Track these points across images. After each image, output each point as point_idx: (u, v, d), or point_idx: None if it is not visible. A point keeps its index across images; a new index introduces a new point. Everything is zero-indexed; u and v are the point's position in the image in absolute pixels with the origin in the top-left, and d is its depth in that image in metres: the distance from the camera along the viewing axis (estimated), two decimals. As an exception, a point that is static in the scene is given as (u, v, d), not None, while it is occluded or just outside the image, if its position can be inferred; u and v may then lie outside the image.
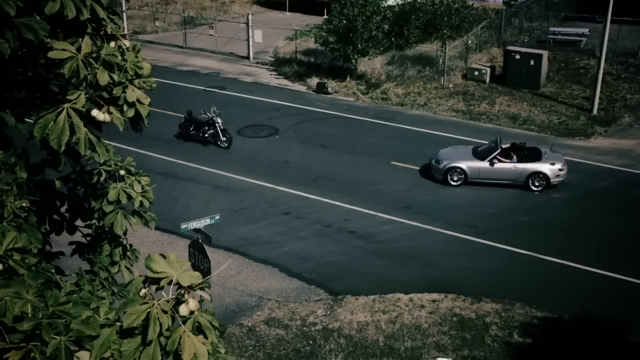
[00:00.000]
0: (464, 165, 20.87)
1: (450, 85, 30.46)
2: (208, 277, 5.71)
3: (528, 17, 37.12)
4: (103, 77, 5.04)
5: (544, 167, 20.57)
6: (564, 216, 19.31)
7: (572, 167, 22.68)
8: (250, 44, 36.01)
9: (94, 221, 7.00)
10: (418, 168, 22.31)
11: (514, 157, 20.88)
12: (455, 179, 20.90)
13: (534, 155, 20.98)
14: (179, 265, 4.30)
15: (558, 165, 20.65)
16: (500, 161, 20.72)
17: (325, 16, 39.23)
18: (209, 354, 4.19)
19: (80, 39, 5.04)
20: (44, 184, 6.42)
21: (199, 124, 24.13)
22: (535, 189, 20.65)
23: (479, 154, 21.22)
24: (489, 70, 30.70)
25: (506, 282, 16.14)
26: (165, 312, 4.08)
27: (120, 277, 6.82)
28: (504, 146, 21.02)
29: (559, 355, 13.68)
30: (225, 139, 23.94)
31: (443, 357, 13.50)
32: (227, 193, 20.80)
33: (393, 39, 33.14)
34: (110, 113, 5.26)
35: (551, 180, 20.58)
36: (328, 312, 15.02)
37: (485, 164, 20.73)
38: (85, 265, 6.68)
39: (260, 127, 26.27)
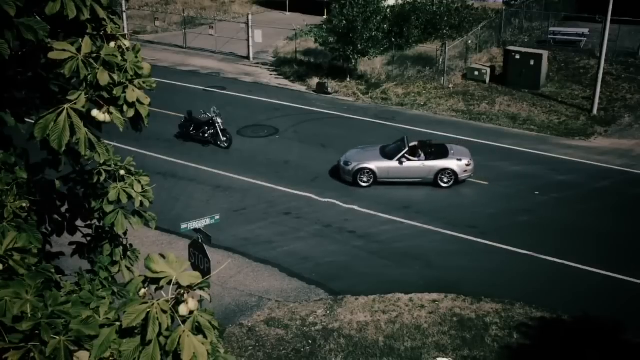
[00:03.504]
0: (373, 165, 20.85)
1: (450, 85, 30.46)
2: (208, 277, 5.72)
3: (528, 17, 37.12)
4: (103, 77, 5.05)
5: (452, 164, 20.80)
6: (564, 216, 19.32)
7: (572, 167, 22.72)
8: (250, 44, 36.01)
9: (94, 221, 7.00)
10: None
11: (422, 155, 20.98)
12: (365, 179, 20.86)
13: (441, 152, 21.21)
14: (178, 265, 4.30)
15: (465, 161, 20.89)
16: (408, 160, 20.80)
17: (325, 16, 39.23)
18: (208, 353, 4.19)
19: (80, 39, 5.04)
20: (44, 184, 6.42)
21: (199, 124, 24.13)
22: (444, 185, 20.87)
23: (387, 154, 21.22)
24: (489, 70, 30.70)
25: (506, 282, 16.14)
26: (164, 312, 4.08)
27: (121, 277, 6.82)
28: (411, 144, 21.11)
29: (558, 355, 13.68)
30: (225, 139, 23.95)
31: (443, 357, 13.51)
32: (227, 193, 20.81)
33: (393, 39, 33.15)
34: (110, 113, 5.26)
35: (459, 176, 20.85)
36: (328, 312, 15.03)
37: (394, 164, 20.80)
38: (85, 265, 6.68)
39: (260, 127, 26.28)
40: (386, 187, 21.05)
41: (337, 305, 15.25)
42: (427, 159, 20.97)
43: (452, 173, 20.81)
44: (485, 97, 29.23)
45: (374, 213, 19.46)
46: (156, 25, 42.27)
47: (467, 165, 20.93)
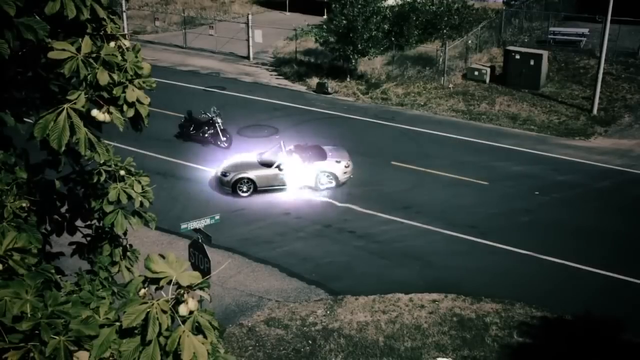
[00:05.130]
0: (252, 174, 20.33)
1: (450, 85, 30.46)
2: (208, 277, 5.72)
3: (528, 17, 37.12)
4: (103, 77, 5.04)
5: (331, 166, 20.67)
6: (564, 216, 19.31)
7: (572, 167, 22.72)
8: (250, 44, 36.01)
9: (94, 221, 7.00)
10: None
11: (300, 159, 20.70)
12: (245, 189, 20.34)
13: (319, 154, 21.00)
14: (178, 265, 4.30)
15: (344, 162, 20.79)
16: (287, 165, 20.48)
17: (325, 16, 39.24)
18: (208, 353, 4.19)
19: (80, 39, 5.04)
20: (44, 184, 6.42)
21: (199, 124, 24.13)
22: (325, 188, 20.64)
23: (265, 161, 20.80)
24: (489, 70, 30.70)
25: (506, 282, 16.14)
26: (164, 312, 4.08)
27: (120, 277, 6.82)
28: (287, 149, 20.82)
29: (559, 355, 13.68)
30: (225, 139, 23.95)
31: (443, 357, 13.51)
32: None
33: (393, 39, 33.14)
34: (110, 113, 5.25)
35: (339, 178, 20.70)
36: (328, 312, 15.03)
37: (273, 171, 20.41)
38: (85, 265, 6.68)
39: (260, 127, 26.27)
40: (387, 188, 21.06)
41: (337, 305, 15.24)
42: (305, 163, 20.68)
43: (332, 175, 20.59)
44: (485, 97, 29.23)
45: (374, 213, 19.46)
46: (156, 25, 42.27)
47: (346, 166, 20.71)
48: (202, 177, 21.77)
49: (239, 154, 21.87)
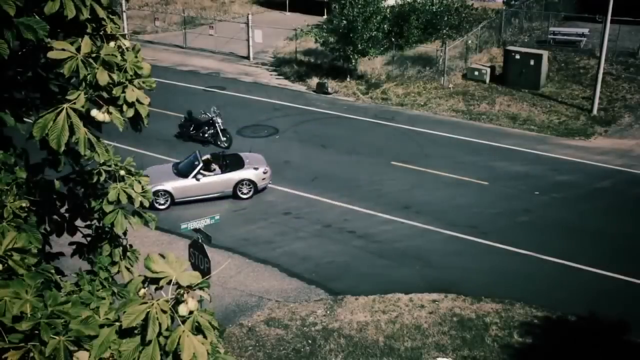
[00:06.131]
0: (168, 186, 19.48)
1: (450, 85, 30.46)
2: (208, 277, 5.72)
3: (528, 17, 37.11)
4: (103, 77, 5.05)
5: (249, 173, 20.18)
6: (564, 216, 19.31)
7: (572, 167, 22.72)
8: (250, 44, 36.00)
9: (94, 221, 7.00)
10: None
11: (217, 168, 20.28)
12: (162, 202, 19.48)
13: (236, 162, 20.46)
14: (178, 265, 4.30)
15: (262, 169, 20.34)
16: (204, 175, 19.85)
17: (325, 16, 39.23)
18: (208, 354, 4.19)
19: (80, 39, 5.04)
20: (44, 184, 6.42)
21: (199, 124, 24.13)
22: (244, 196, 20.17)
23: (181, 172, 20.08)
24: (489, 70, 30.69)
25: (506, 282, 16.14)
26: (164, 312, 4.08)
27: (120, 277, 6.82)
28: (204, 159, 20.27)
29: (559, 355, 13.68)
30: (225, 139, 23.95)
31: (443, 357, 13.51)
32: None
33: (393, 39, 33.14)
34: (109, 113, 5.26)
35: (258, 185, 20.27)
36: (328, 312, 15.03)
37: (190, 181, 19.71)
38: (85, 265, 6.68)
39: (260, 127, 26.27)
40: (387, 188, 21.06)
41: (337, 305, 15.24)
42: (223, 171, 20.17)
43: (251, 183, 20.13)
44: (485, 97, 29.22)
45: (374, 213, 19.46)
46: (156, 25, 42.26)
47: (265, 172, 20.33)
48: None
49: (153, 166, 20.75)
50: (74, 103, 4.94)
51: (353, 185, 21.15)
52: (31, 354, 3.99)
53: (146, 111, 5.43)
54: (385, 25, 31.34)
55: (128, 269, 7.00)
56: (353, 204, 19.98)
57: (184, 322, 4.16)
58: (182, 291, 4.21)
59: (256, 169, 20.36)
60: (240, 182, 20.11)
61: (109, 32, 5.42)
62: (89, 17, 5.07)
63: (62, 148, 4.86)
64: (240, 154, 21.31)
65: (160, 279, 4.24)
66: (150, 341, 4.07)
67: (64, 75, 5.05)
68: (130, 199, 6.50)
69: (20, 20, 4.78)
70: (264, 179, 20.43)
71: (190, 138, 24.33)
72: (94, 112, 5.21)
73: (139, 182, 6.67)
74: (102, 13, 5.21)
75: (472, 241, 18.00)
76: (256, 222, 19.02)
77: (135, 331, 4.18)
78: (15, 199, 5.12)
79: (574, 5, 37.09)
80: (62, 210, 6.83)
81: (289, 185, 21.15)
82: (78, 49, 4.96)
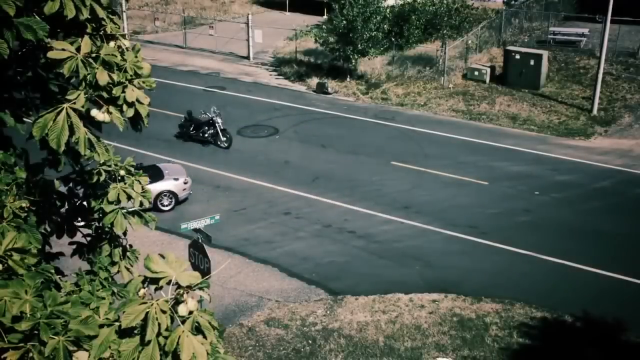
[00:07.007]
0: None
1: (450, 85, 30.46)
2: (208, 277, 5.71)
3: (528, 17, 37.11)
4: (102, 77, 5.04)
5: (169, 185, 19.51)
6: (564, 216, 19.31)
7: (572, 167, 22.72)
8: (250, 44, 36.01)
9: (94, 221, 6.99)
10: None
11: None
12: None
13: (155, 174, 19.34)
14: (178, 265, 4.30)
15: (182, 179, 19.75)
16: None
17: (325, 16, 39.22)
18: (207, 354, 4.19)
19: (79, 39, 5.04)
20: (43, 184, 6.41)
21: (199, 124, 24.13)
22: (165, 208, 19.42)
23: None
24: (489, 70, 30.70)
25: (506, 282, 16.14)
26: (164, 312, 4.08)
27: (120, 278, 6.81)
28: None
29: (559, 355, 13.67)
30: (225, 139, 23.96)
31: (443, 357, 13.51)
32: (227, 193, 20.81)
33: (393, 39, 33.14)
34: (109, 113, 5.25)
35: (179, 196, 19.69)
36: (328, 312, 15.02)
37: None
38: (85, 265, 6.67)
39: (260, 127, 26.27)
40: (387, 188, 21.06)
41: (337, 305, 15.24)
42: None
43: (171, 194, 19.49)
44: (485, 97, 29.22)
45: (374, 213, 19.45)
46: (156, 25, 42.27)
47: (185, 183, 19.74)
48: (202, 177, 21.76)
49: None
50: (74, 103, 4.94)
51: (353, 185, 21.15)
52: (30, 354, 3.99)
53: (146, 111, 5.43)
54: (385, 25, 31.36)
55: (128, 269, 6.99)
56: (353, 204, 19.98)
57: (183, 322, 4.16)
58: (181, 291, 4.21)
59: (176, 179, 19.68)
60: (160, 194, 19.26)
61: (108, 32, 5.42)
62: (89, 17, 5.07)
63: (62, 148, 4.85)
64: (158, 165, 20.61)
65: (160, 279, 4.24)
66: (149, 341, 4.07)
67: (63, 75, 5.05)
68: (129, 198, 6.50)
69: (20, 20, 4.77)
70: (184, 189, 19.83)
71: (190, 138, 24.34)
72: (94, 112, 5.21)
73: (139, 182, 6.68)
74: (102, 13, 5.21)
75: (472, 241, 18.00)
76: (256, 222, 19.01)
77: (135, 331, 4.19)
78: (15, 199, 5.11)
79: (574, 5, 37.11)
80: (62, 210, 6.83)
81: (289, 185, 21.15)
82: (78, 49, 4.96)
